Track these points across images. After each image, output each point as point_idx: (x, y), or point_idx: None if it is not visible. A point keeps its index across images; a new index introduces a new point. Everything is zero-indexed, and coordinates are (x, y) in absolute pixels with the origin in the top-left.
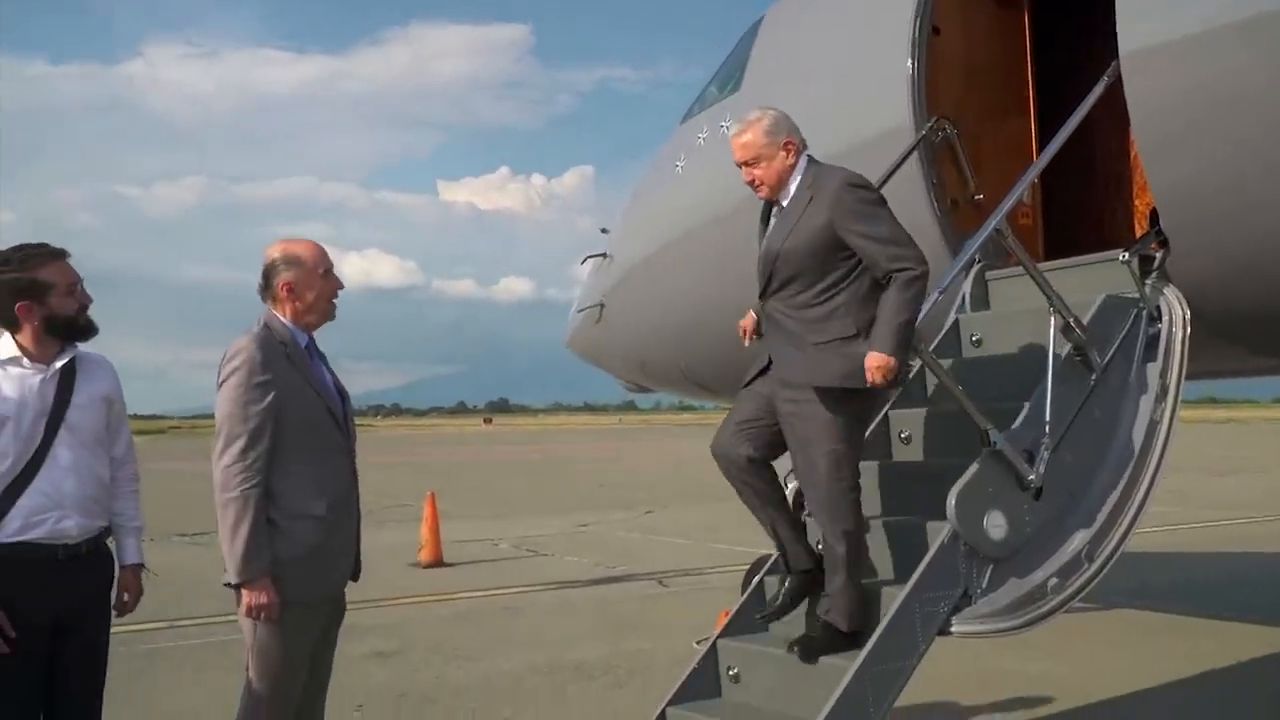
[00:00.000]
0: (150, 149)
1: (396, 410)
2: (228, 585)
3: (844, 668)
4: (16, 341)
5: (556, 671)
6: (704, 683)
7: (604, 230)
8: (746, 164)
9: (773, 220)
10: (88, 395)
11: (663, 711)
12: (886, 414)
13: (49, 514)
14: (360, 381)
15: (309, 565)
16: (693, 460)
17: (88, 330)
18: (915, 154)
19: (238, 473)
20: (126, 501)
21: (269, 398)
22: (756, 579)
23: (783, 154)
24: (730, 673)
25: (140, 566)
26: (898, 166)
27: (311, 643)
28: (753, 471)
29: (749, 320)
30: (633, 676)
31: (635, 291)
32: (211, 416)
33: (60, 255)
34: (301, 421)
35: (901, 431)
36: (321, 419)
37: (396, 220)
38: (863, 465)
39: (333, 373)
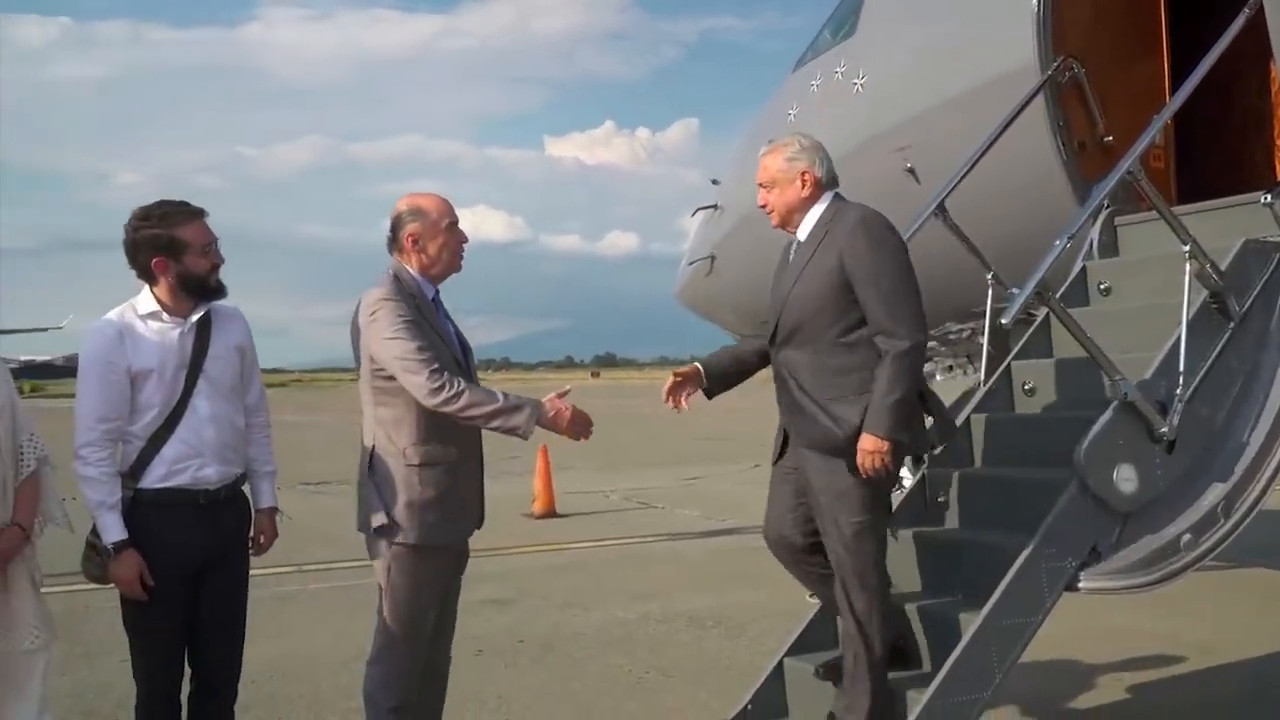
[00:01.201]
0: (268, 110)
1: (506, 364)
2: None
3: (967, 622)
4: (155, 295)
5: (669, 621)
6: (821, 634)
7: (714, 181)
8: (762, 185)
9: (790, 258)
10: (223, 346)
11: (780, 662)
12: (1009, 365)
13: (190, 462)
14: (470, 336)
15: (440, 510)
16: None
17: (218, 291)
18: (1041, 95)
19: (434, 393)
20: (260, 447)
21: (421, 330)
22: None
23: (798, 184)
24: None
25: (275, 510)
26: (1022, 108)
27: (441, 587)
28: (809, 557)
29: (670, 383)
30: (745, 627)
31: (747, 242)
32: (332, 370)
33: (199, 215)
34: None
35: (1025, 383)
36: (448, 369)
37: (504, 176)
38: (987, 418)
39: (455, 325)
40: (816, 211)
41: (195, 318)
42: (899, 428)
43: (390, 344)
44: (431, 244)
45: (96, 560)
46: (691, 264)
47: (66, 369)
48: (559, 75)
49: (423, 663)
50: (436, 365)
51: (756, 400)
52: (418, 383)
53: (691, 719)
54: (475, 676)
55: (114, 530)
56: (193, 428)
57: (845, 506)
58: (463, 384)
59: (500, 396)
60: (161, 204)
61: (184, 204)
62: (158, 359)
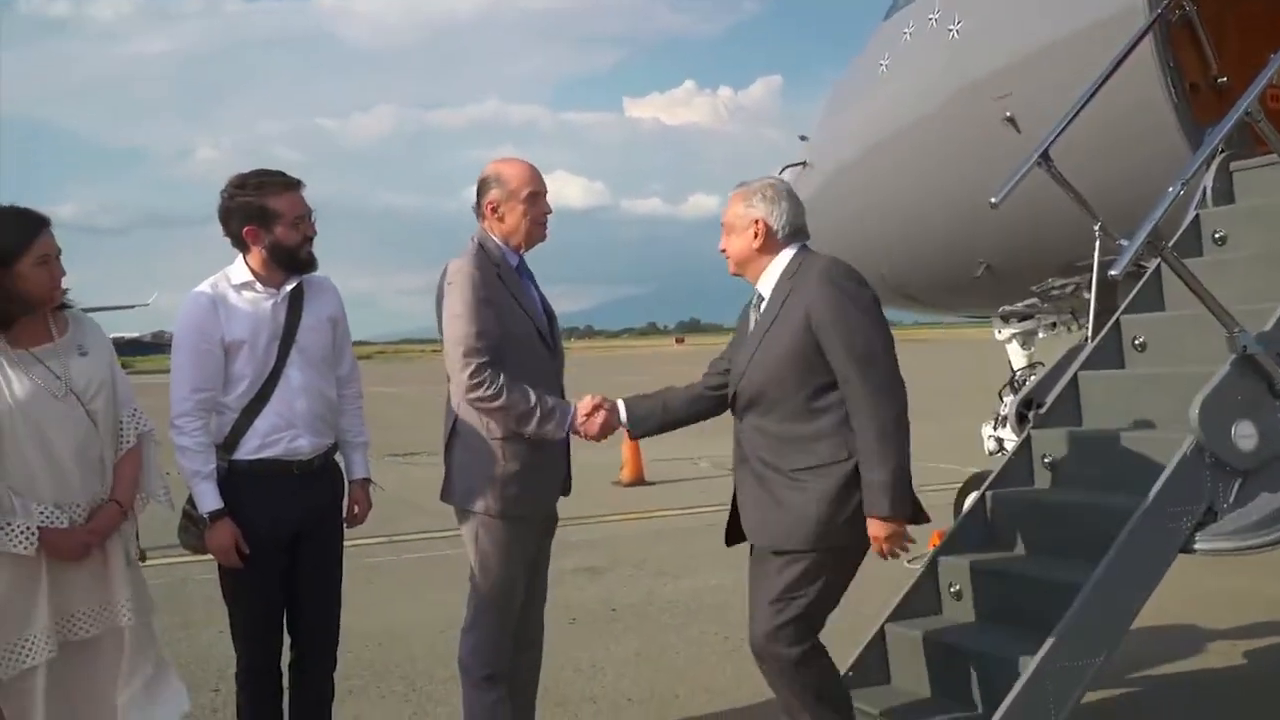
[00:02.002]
0: (344, 79)
1: (590, 332)
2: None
3: (1077, 586)
4: (248, 265)
5: None
6: (924, 600)
7: (802, 138)
8: (724, 226)
9: (752, 317)
10: (315, 317)
11: (882, 628)
12: (1118, 320)
13: (283, 433)
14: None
15: (524, 481)
16: None
17: (308, 264)
18: (1150, 36)
19: (472, 388)
20: (353, 418)
21: (490, 313)
22: (974, 496)
23: (750, 233)
24: (952, 589)
25: (368, 480)
26: (1130, 50)
27: (529, 555)
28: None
29: (590, 404)
30: (846, 595)
31: (836, 199)
32: (415, 342)
33: (294, 186)
34: (512, 340)
35: (1135, 338)
36: (530, 338)
37: (583, 140)
38: (1095, 374)
39: (541, 293)
40: (779, 265)
41: (288, 288)
42: (903, 502)
43: (452, 323)
44: (510, 213)
45: (193, 530)
46: None
47: (154, 345)
48: (635, 34)
49: (513, 631)
50: (485, 359)
51: None
52: (458, 373)
53: None
54: (570, 645)
55: (209, 499)
56: (285, 399)
57: (796, 601)
58: (503, 384)
59: (534, 399)
60: (258, 173)
61: (280, 174)
62: (250, 329)
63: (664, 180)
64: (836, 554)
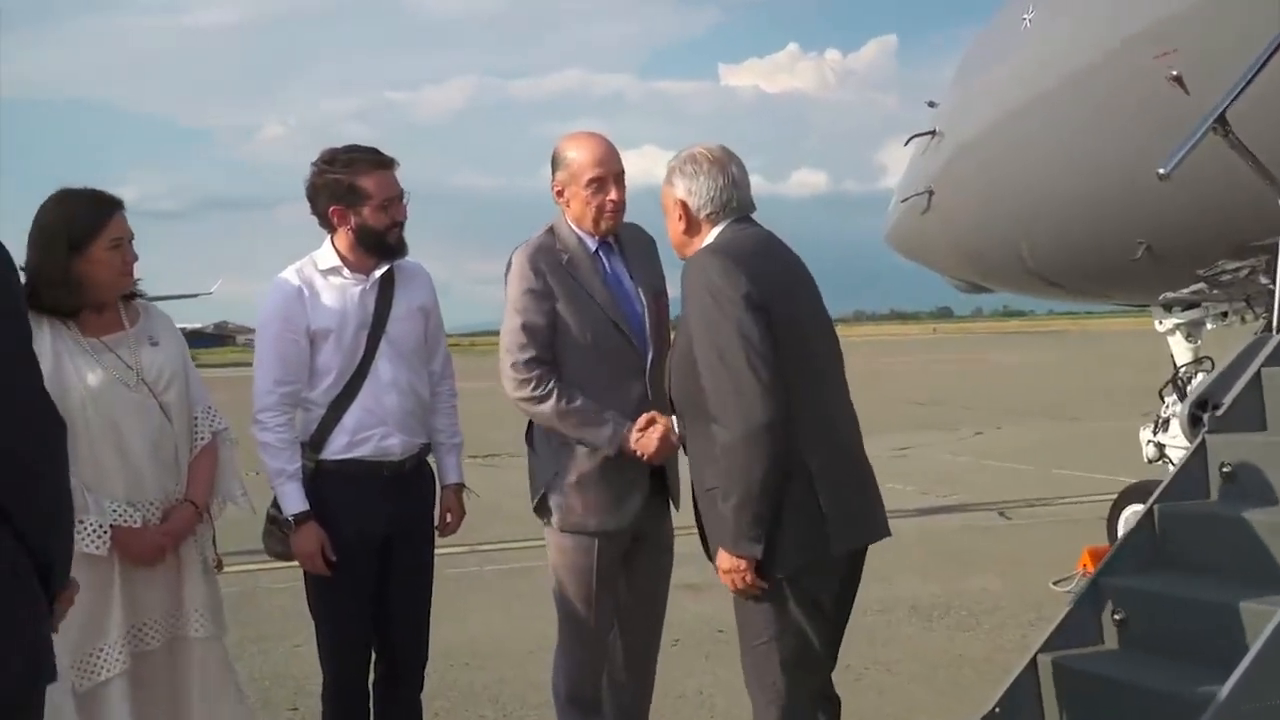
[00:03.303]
0: (415, 50)
1: None
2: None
3: (1268, 614)
4: (335, 248)
5: (889, 610)
6: (1083, 628)
7: (931, 103)
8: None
9: None
10: (406, 306)
11: (1033, 659)
12: (1203, 441)
13: (373, 431)
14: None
15: (598, 492)
16: (1023, 374)
17: (396, 250)
18: None
19: (517, 386)
20: (447, 418)
21: (542, 309)
22: (1133, 510)
23: (675, 216)
24: (1115, 617)
25: (461, 486)
26: None
27: (608, 574)
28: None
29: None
30: (979, 619)
31: (970, 171)
32: (492, 333)
33: (385, 165)
34: (579, 336)
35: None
36: (604, 334)
37: (675, 112)
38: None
39: (634, 281)
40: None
41: (378, 275)
42: (741, 539)
43: (506, 316)
44: (574, 199)
45: (277, 535)
46: (905, 201)
47: (216, 336)
48: None
49: (601, 653)
50: (531, 356)
51: (969, 358)
52: (504, 371)
53: None
54: (674, 669)
55: (294, 501)
56: (374, 394)
57: (743, 643)
58: (551, 386)
59: (579, 403)
60: (350, 149)
61: (373, 151)
62: (337, 318)
63: (764, 155)
64: (764, 599)
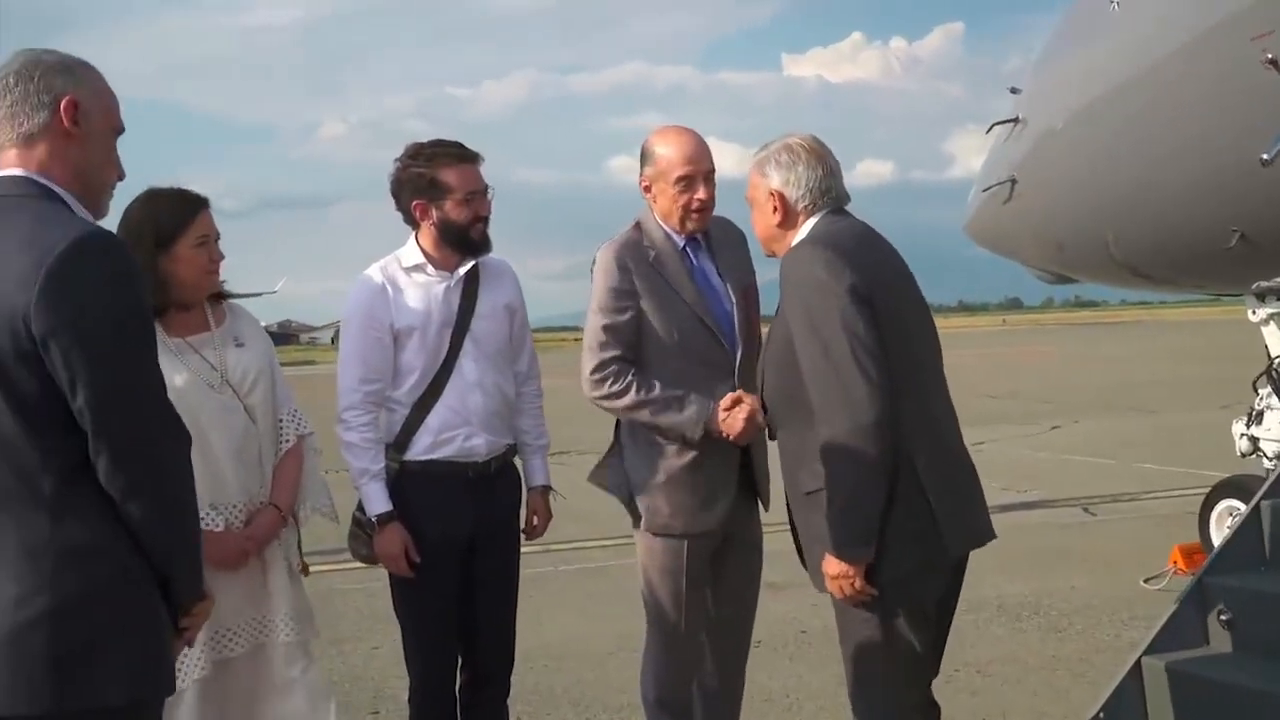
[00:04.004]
0: (474, 44)
1: None
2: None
3: None
4: (420, 245)
5: (976, 610)
6: (1188, 629)
7: (1013, 90)
8: (749, 203)
9: None
10: (490, 304)
11: (1138, 661)
12: None
13: (457, 431)
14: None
15: (673, 495)
16: (1097, 365)
17: (479, 247)
18: None
19: (595, 385)
20: (533, 419)
21: (626, 307)
22: (1223, 505)
23: (768, 208)
24: (1222, 617)
25: (548, 489)
26: None
27: (695, 575)
28: None
29: (727, 400)
30: (1069, 618)
31: (1055, 158)
32: (555, 330)
33: (468, 158)
34: (665, 335)
35: None
36: (691, 332)
37: (737, 103)
38: None
39: (726, 278)
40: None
41: (462, 271)
42: (851, 542)
43: (589, 315)
44: (662, 195)
45: (363, 538)
46: (986, 190)
47: (281, 335)
48: None
49: (692, 656)
50: (613, 355)
51: (1041, 350)
52: (584, 371)
53: None
54: (758, 671)
55: (377, 502)
56: (459, 393)
57: (846, 651)
58: (630, 381)
59: (658, 390)
60: (434, 142)
61: (456, 145)
62: (421, 316)
63: (829, 145)
64: (869, 606)
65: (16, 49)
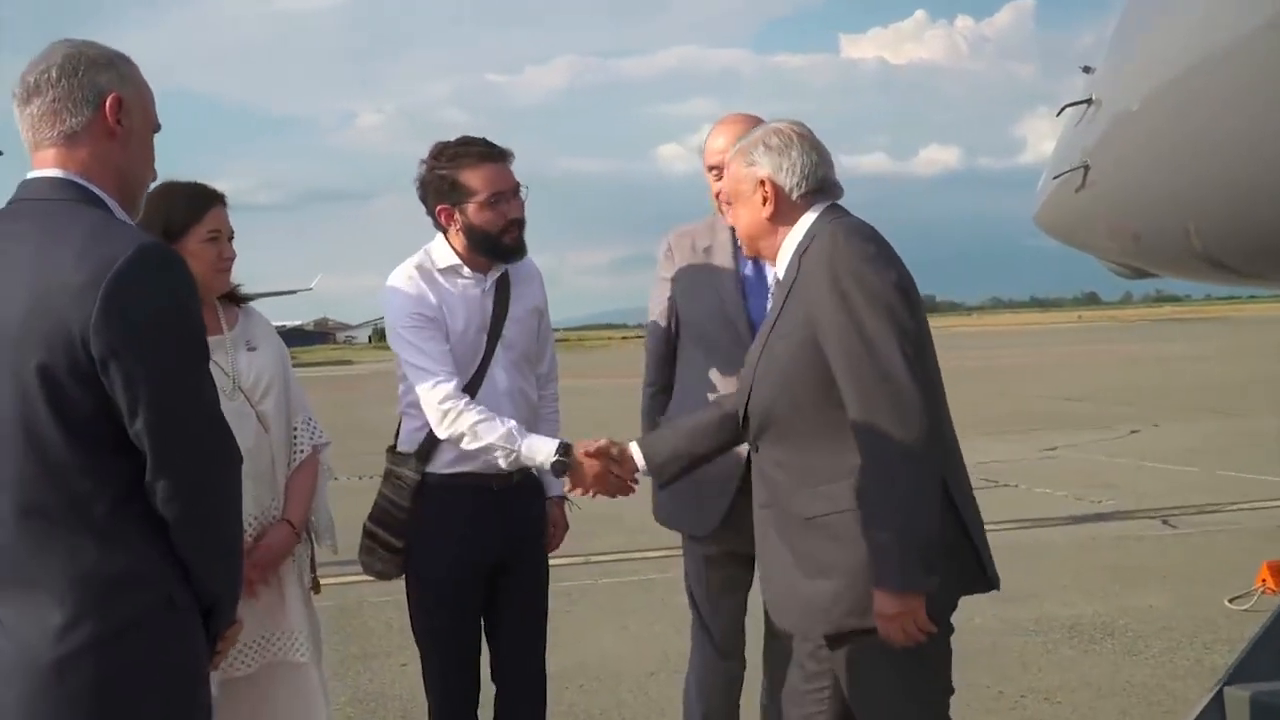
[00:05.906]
0: (515, 28)
1: None
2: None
3: None
4: (452, 246)
5: (1045, 631)
6: (1275, 656)
7: (1086, 69)
8: (730, 196)
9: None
10: (521, 308)
11: (1220, 691)
12: None
13: None
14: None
15: (678, 492)
16: (1180, 365)
17: (511, 252)
18: None
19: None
20: (548, 425)
21: (665, 297)
22: None
23: (756, 200)
24: None
25: (564, 498)
26: None
27: (718, 576)
28: None
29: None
30: (1147, 642)
31: (1131, 141)
32: (600, 327)
33: (493, 157)
34: (692, 326)
35: None
36: (714, 326)
37: (792, 87)
38: None
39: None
40: (795, 238)
41: (494, 276)
42: (912, 571)
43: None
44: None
45: (378, 552)
46: (1057, 177)
47: (317, 334)
48: None
49: (731, 668)
50: (648, 360)
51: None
52: None
53: None
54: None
55: (545, 445)
56: (490, 402)
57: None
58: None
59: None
60: (460, 141)
61: (482, 143)
62: (462, 317)
63: (890, 131)
64: (879, 643)
65: (55, 40)
